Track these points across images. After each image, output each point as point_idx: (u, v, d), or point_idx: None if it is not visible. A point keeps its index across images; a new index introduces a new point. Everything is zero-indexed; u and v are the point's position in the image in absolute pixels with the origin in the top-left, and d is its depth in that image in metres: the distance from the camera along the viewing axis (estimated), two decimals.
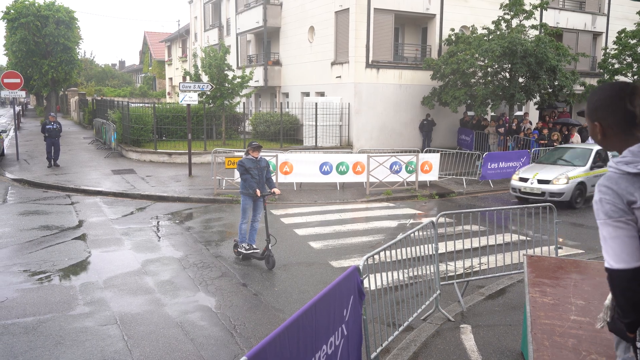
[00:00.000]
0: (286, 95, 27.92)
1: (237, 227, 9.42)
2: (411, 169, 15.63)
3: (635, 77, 23.33)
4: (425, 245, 6.28)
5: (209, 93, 21.68)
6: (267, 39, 28.42)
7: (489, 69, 20.47)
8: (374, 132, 22.45)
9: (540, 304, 3.85)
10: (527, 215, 7.89)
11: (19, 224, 11.01)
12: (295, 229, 10.95)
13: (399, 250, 5.92)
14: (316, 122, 22.03)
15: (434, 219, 6.47)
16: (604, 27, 28.42)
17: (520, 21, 20.89)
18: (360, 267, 4.60)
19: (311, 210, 12.94)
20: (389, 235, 10.47)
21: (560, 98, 22.81)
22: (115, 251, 9.30)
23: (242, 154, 10.62)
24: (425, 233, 6.35)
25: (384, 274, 6.17)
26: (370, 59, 21.94)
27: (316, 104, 22.13)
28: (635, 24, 23.27)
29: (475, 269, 7.87)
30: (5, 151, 21.50)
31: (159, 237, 10.29)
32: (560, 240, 9.56)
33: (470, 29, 22.78)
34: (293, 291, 7.45)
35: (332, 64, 23.18)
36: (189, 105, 16.53)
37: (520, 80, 20.33)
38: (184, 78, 33.87)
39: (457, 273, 7.53)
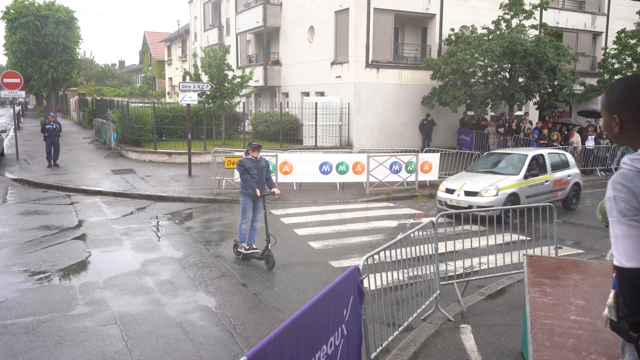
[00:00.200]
0: (286, 95, 27.92)
1: (236, 227, 9.43)
2: (411, 168, 15.63)
3: None
4: (425, 245, 6.28)
5: (208, 93, 21.68)
6: (267, 39, 28.42)
7: (488, 69, 20.48)
8: (374, 132, 22.45)
9: (540, 304, 3.85)
10: (526, 215, 7.89)
11: (19, 224, 11.01)
12: (295, 229, 10.95)
13: (398, 250, 5.92)
14: (316, 122, 22.03)
15: (433, 218, 6.47)
16: (603, 27, 28.42)
17: (520, 21, 20.89)
18: (360, 267, 4.60)
19: (311, 210, 12.95)
20: (389, 235, 10.47)
21: (560, 98, 22.82)
22: (115, 251, 9.30)
23: (242, 153, 10.62)
24: (425, 233, 6.35)
25: (383, 274, 6.17)
26: (370, 58, 21.94)
27: (316, 103, 22.13)
28: (635, 23, 23.29)
29: (475, 269, 7.87)
30: (5, 151, 21.49)
31: (159, 237, 10.29)
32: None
33: (470, 28, 22.78)
34: (293, 291, 7.45)
35: (332, 63, 23.18)
36: (188, 105, 16.53)
37: (520, 80, 20.34)
38: (184, 78, 33.86)
39: (457, 273, 7.54)
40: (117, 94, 50.62)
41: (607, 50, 24.94)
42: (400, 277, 6.91)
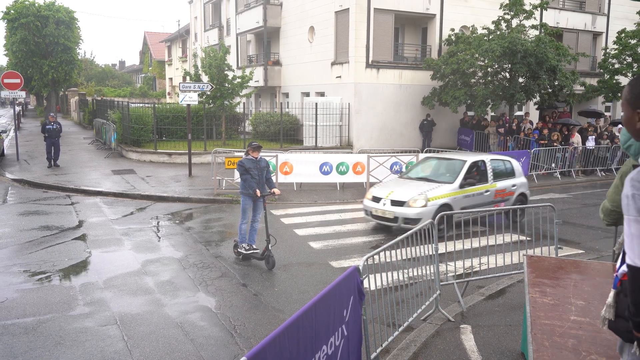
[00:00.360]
0: (286, 95, 27.93)
1: (237, 228, 9.43)
2: None
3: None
4: (425, 246, 6.28)
5: (209, 93, 21.69)
6: (267, 39, 28.43)
7: (489, 69, 20.48)
8: (374, 132, 22.45)
9: (540, 304, 3.84)
10: (527, 216, 7.88)
11: (19, 224, 11.01)
12: (295, 229, 10.95)
13: (399, 250, 5.92)
14: (316, 122, 22.03)
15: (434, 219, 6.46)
16: (604, 27, 28.42)
17: (521, 21, 20.90)
18: (360, 268, 4.60)
19: (311, 211, 12.95)
20: (389, 235, 10.47)
21: (561, 98, 22.81)
22: (115, 251, 9.30)
23: (242, 154, 10.62)
24: (425, 233, 6.34)
25: (384, 274, 6.16)
26: (370, 59, 21.94)
27: (316, 104, 22.14)
28: (635, 24, 23.28)
29: (475, 269, 7.87)
30: (5, 151, 21.50)
31: (159, 238, 10.29)
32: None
33: (470, 29, 22.79)
34: (293, 291, 7.45)
35: (332, 64, 23.19)
36: (189, 105, 16.53)
37: (520, 80, 20.34)
38: (184, 78, 33.87)
39: (457, 273, 7.54)
40: (117, 94, 50.63)
41: (608, 50, 24.94)
42: (401, 278, 6.91)
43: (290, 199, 14.19)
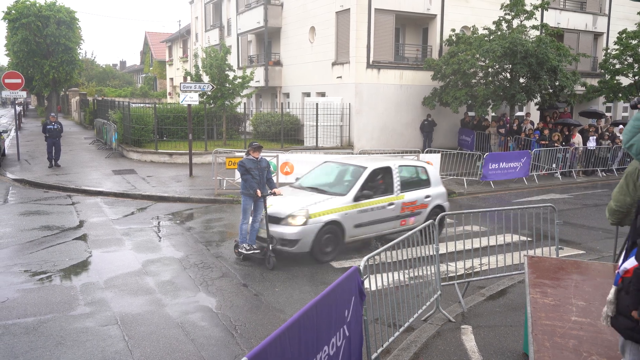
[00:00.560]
0: (287, 95, 27.93)
1: (237, 228, 9.43)
2: None
3: (636, 77, 23.33)
4: (426, 246, 6.28)
5: (209, 93, 21.69)
6: (267, 39, 28.43)
7: (489, 70, 20.47)
8: (375, 133, 22.45)
9: (541, 305, 3.84)
10: (527, 216, 7.88)
11: (20, 224, 11.02)
12: None
13: (399, 250, 5.92)
14: (317, 122, 22.03)
15: (434, 219, 6.46)
16: (604, 27, 28.41)
17: (521, 21, 20.89)
18: (361, 268, 4.61)
19: None
20: (390, 236, 10.45)
21: (561, 98, 22.80)
22: (116, 251, 9.30)
23: (243, 154, 10.61)
24: (426, 233, 6.34)
25: (384, 275, 6.16)
26: (371, 59, 21.94)
27: (317, 104, 22.13)
28: (636, 24, 23.27)
29: (476, 270, 7.86)
30: (6, 151, 21.52)
31: (160, 238, 10.29)
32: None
33: (471, 29, 22.79)
34: (294, 292, 7.46)
35: (333, 64, 23.19)
36: (189, 105, 16.54)
37: (521, 80, 20.33)
38: (185, 78, 33.86)
39: (457, 274, 7.53)
40: (118, 94, 50.64)
41: (608, 50, 24.92)
42: (401, 278, 6.91)
43: None
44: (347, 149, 20.87)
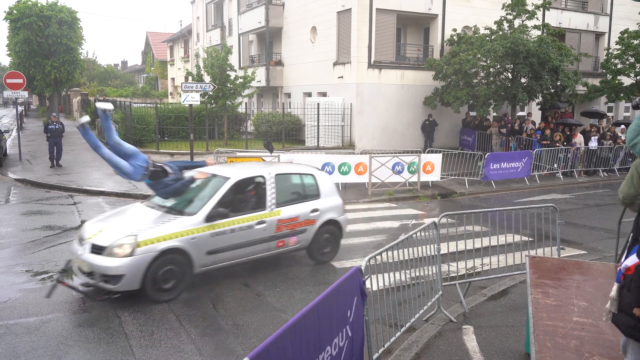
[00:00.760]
0: (288, 95, 27.94)
1: None
2: (413, 169, 15.62)
3: (638, 77, 23.30)
4: (428, 246, 6.28)
5: (211, 93, 21.69)
6: (269, 39, 28.44)
7: (491, 69, 20.45)
8: (376, 133, 22.44)
9: (543, 305, 3.84)
10: (529, 216, 7.87)
11: (22, 224, 11.04)
12: None
13: (401, 250, 5.92)
14: (318, 122, 22.03)
15: (436, 219, 6.47)
16: (606, 27, 28.37)
17: (523, 21, 20.87)
18: (363, 268, 4.61)
19: None
20: (391, 235, 10.46)
21: (563, 98, 22.77)
22: None
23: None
24: (427, 234, 6.34)
25: (386, 275, 6.16)
26: (373, 59, 21.93)
27: (318, 104, 22.13)
28: (638, 24, 23.25)
29: (477, 270, 7.86)
30: (8, 151, 21.54)
31: None
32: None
33: (473, 29, 22.76)
34: (295, 292, 7.46)
35: (334, 64, 23.18)
36: (191, 105, 16.54)
37: (523, 80, 20.31)
38: (186, 78, 33.87)
39: (459, 274, 7.53)
40: (119, 94, 50.67)
41: (610, 50, 24.89)
42: (403, 278, 6.90)
43: None
44: (349, 149, 20.87)
